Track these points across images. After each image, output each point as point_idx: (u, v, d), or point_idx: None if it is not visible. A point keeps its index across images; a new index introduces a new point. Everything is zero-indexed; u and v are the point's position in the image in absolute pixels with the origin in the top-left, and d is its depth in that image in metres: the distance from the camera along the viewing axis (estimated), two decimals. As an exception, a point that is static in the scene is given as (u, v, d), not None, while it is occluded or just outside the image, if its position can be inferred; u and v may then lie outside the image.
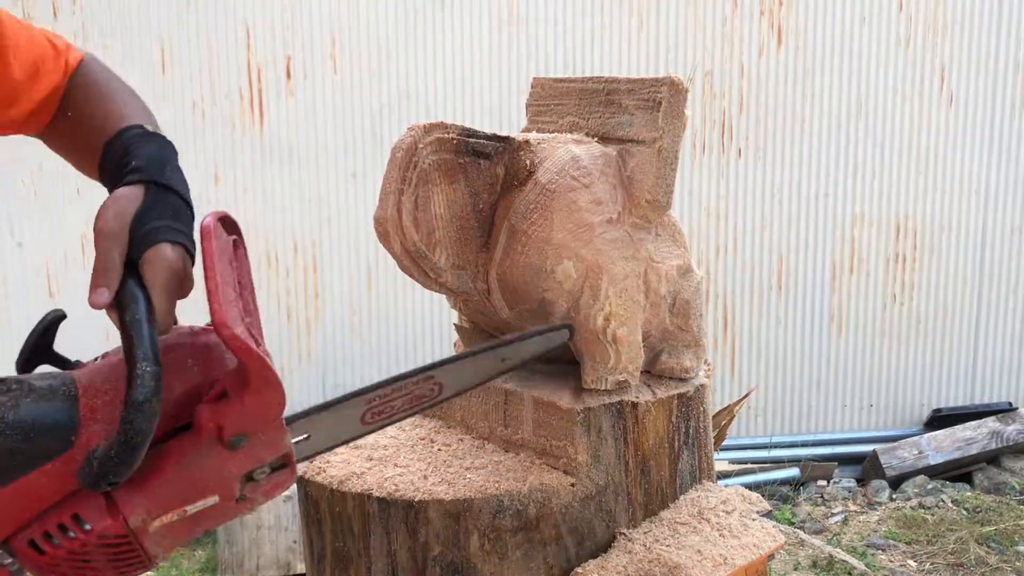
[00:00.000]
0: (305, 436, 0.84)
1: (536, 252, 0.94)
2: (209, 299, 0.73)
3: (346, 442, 0.89)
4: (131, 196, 0.84)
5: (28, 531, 0.74)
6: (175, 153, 0.95)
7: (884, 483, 4.69)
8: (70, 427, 0.74)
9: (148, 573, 3.86)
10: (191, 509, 0.77)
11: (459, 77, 4.51)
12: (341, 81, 4.48)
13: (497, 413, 1.03)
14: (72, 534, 0.73)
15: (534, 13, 4.59)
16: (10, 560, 0.74)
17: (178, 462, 0.75)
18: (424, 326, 4.78)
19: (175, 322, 0.81)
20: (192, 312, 0.91)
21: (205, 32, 4.53)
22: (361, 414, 0.88)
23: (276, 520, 3.64)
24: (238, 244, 0.84)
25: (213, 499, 0.77)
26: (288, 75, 4.47)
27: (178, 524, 0.78)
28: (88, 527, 0.73)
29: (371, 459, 1.01)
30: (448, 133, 0.94)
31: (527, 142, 0.99)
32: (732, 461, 4.71)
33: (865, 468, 4.85)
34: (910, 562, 3.95)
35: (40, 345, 0.84)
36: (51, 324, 0.84)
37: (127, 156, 0.92)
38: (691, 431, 1.05)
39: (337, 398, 0.86)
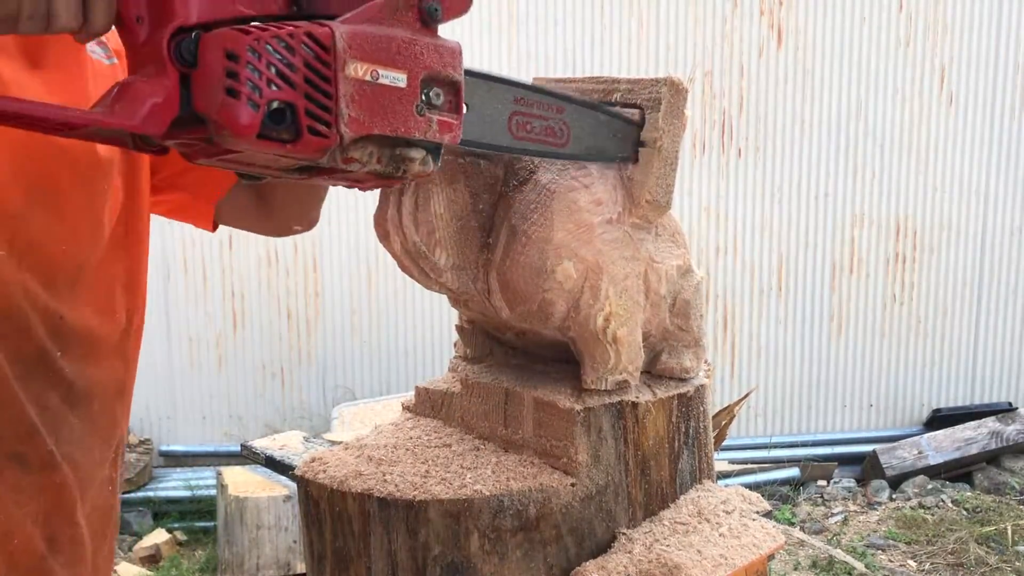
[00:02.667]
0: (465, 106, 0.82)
1: (536, 252, 0.94)
2: None
3: (491, 148, 0.87)
4: None
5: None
6: None
7: (884, 483, 4.69)
8: None
9: (148, 573, 3.86)
10: (382, 76, 0.73)
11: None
12: (341, 81, 4.48)
13: (497, 413, 1.03)
14: (282, 29, 0.69)
15: (534, 13, 4.59)
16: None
17: (380, 13, 0.74)
18: (424, 326, 4.78)
19: None
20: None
21: (205, 32, 4.53)
22: (509, 115, 0.87)
23: (276, 520, 3.64)
24: None
25: (401, 79, 0.74)
26: (288, 75, 4.47)
27: (368, 92, 0.73)
28: (301, 27, 0.70)
29: (371, 459, 1.01)
30: (448, 133, 0.93)
31: (527, 142, 0.99)
32: (732, 461, 4.71)
33: (865, 468, 4.85)
34: (910, 562, 3.95)
35: None
36: None
37: None
38: (691, 431, 1.05)
39: (487, 73, 0.86)
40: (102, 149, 0.98)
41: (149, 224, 1.11)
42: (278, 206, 1.19)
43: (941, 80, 4.83)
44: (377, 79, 0.74)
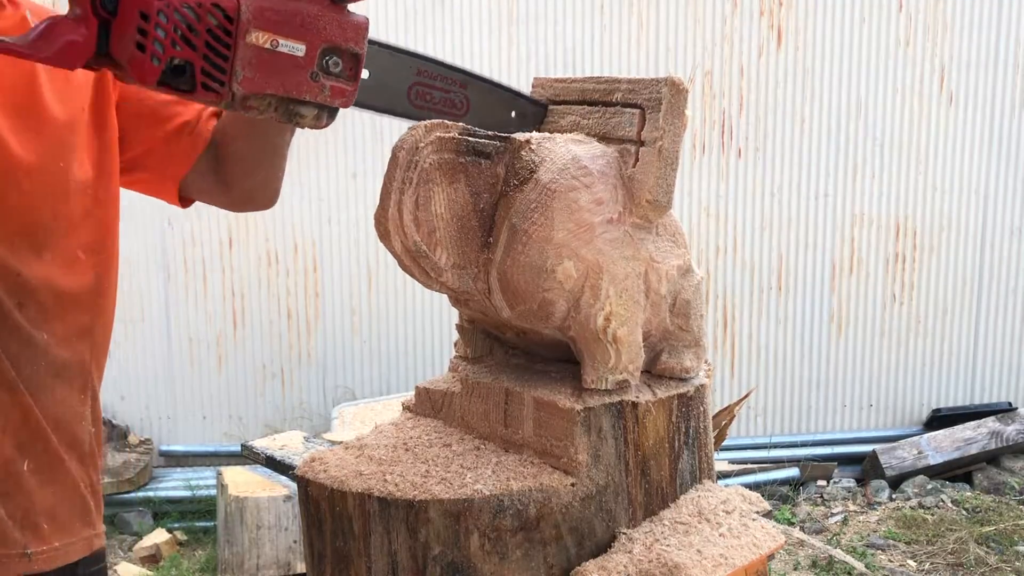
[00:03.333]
0: (366, 74, 0.91)
1: (537, 252, 0.94)
2: None
3: (389, 113, 0.96)
4: None
5: None
6: None
7: (884, 483, 4.69)
8: None
9: (148, 573, 3.86)
10: (282, 45, 0.84)
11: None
12: (341, 81, 4.48)
13: (497, 413, 1.03)
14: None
15: (534, 13, 4.59)
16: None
17: None
18: (424, 326, 4.78)
19: None
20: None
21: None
22: (409, 85, 0.97)
23: (276, 520, 3.64)
24: None
25: (300, 48, 0.84)
26: (288, 75, 4.47)
27: (265, 58, 0.84)
28: None
29: (371, 459, 1.01)
30: (449, 133, 0.94)
31: (528, 142, 0.99)
32: (732, 461, 4.71)
33: (865, 468, 4.85)
34: (910, 562, 3.95)
35: None
36: None
37: None
38: (691, 431, 1.05)
39: (393, 46, 0.95)
40: (65, 128, 1.11)
41: (118, 195, 1.24)
42: (235, 180, 1.28)
43: (941, 80, 4.83)
44: (276, 47, 0.85)
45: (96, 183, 1.18)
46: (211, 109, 1.25)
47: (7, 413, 1.10)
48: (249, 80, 0.84)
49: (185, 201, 1.32)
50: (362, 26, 0.90)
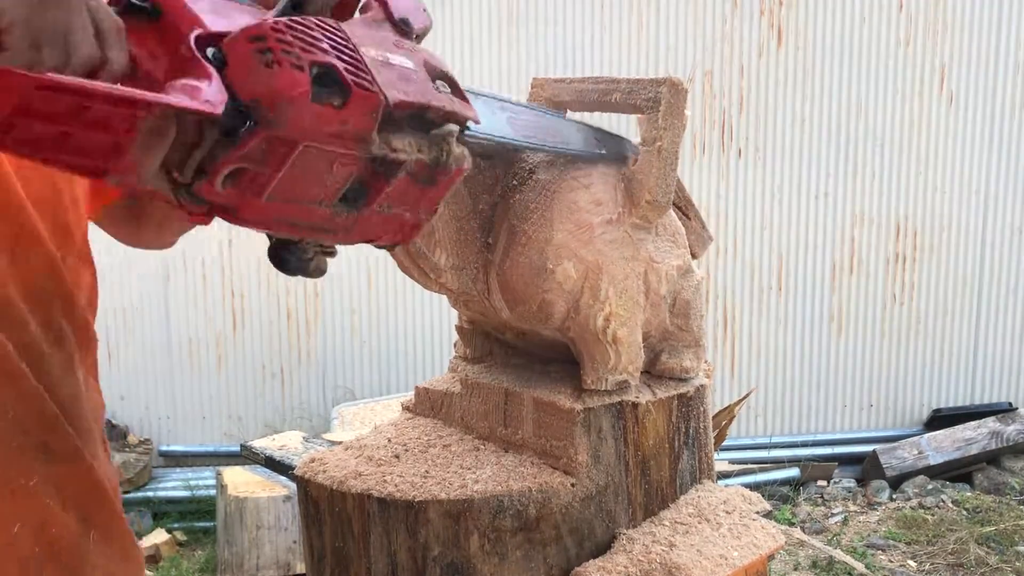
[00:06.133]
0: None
1: (536, 252, 0.94)
2: None
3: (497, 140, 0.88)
4: None
5: None
6: None
7: (884, 483, 4.69)
8: None
9: (148, 574, 3.86)
10: (392, 58, 0.74)
11: (459, 77, 4.51)
12: (341, 81, 4.48)
13: (497, 413, 1.03)
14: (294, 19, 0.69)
15: (534, 13, 4.59)
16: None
17: (361, 24, 0.76)
18: (424, 326, 4.78)
19: None
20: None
21: (205, 32, 4.53)
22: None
23: (276, 520, 3.64)
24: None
25: (408, 63, 0.75)
26: (288, 75, 4.47)
27: (387, 67, 0.73)
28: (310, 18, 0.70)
29: (371, 459, 1.01)
30: (448, 133, 0.93)
31: (527, 142, 0.99)
32: (732, 461, 4.71)
33: (865, 468, 4.85)
34: (910, 562, 3.95)
35: None
36: None
37: None
38: (691, 431, 1.05)
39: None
40: None
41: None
42: (148, 228, 1.18)
43: (941, 80, 4.82)
44: (388, 60, 0.73)
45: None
46: None
47: (68, 484, 0.96)
48: (390, 84, 0.71)
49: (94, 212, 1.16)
50: (437, 56, 0.82)
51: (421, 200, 0.77)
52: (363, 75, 0.70)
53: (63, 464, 0.94)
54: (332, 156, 0.70)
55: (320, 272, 0.78)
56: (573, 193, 0.94)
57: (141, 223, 1.17)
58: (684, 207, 1.13)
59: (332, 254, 0.78)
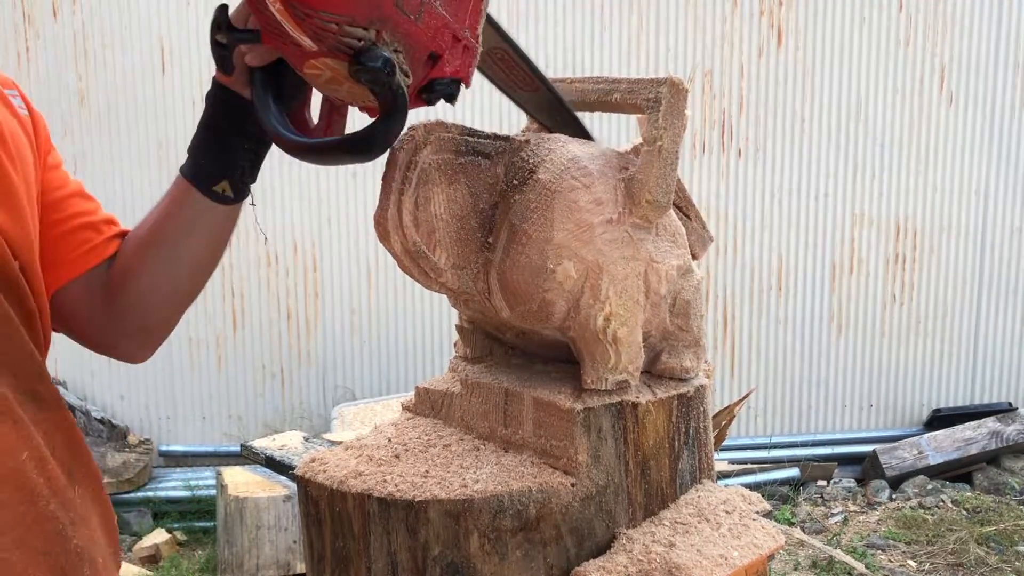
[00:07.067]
0: None
1: (536, 252, 0.94)
2: None
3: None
4: None
5: None
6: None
7: (884, 483, 4.69)
8: None
9: (148, 573, 3.86)
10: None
11: (459, 77, 4.51)
12: (341, 81, 4.48)
13: (497, 413, 1.03)
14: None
15: (534, 13, 4.59)
16: None
17: None
18: (424, 326, 4.78)
19: None
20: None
21: (205, 32, 4.52)
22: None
23: (276, 520, 3.64)
24: None
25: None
26: (288, 75, 4.47)
27: None
28: None
29: (371, 459, 1.01)
30: (449, 133, 0.93)
31: (527, 142, 0.99)
32: (732, 461, 4.71)
33: (865, 468, 4.85)
34: (910, 562, 3.95)
35: None
36: None
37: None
38: (691, 431, 1.05)
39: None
40: None
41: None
42: (136, 309, 1.09)
43: (941, 80, 4.83)
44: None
45: None
46: (117, 229, 1.10)
47: (55, 431, 0.98)
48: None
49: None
50: None
51: (460, 6, 0.82)
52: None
53: (51, 412, 0.97)
54: None
55: (399, 91, 0.79)
56: (573, 193, 0.94)
57: (129, 295, 1.08)
58: (684, 207, 1.13)
59: (406, 73, 0.80)
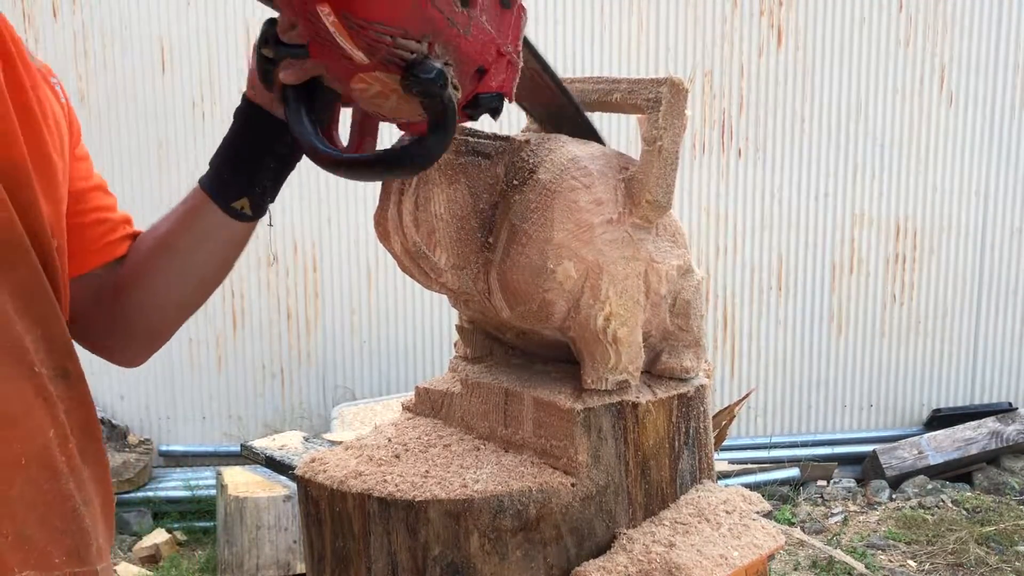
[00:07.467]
0: None
1: (536, 252, 0.94)
2: None
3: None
4: None
5: None
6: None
7: (884, 483, 4.69)
8: None
9: (148, 573, 3.86)
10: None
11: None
12: (341, 81, 4.48)
13: (497, 413, 1.03)
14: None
15: (534, 13, 4.59)
16: None
17: None
18: (424, 326, 4.78)
19: None
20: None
21: (205, 32, 4.53)
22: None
23: (276, 520, 3.64)
24: None
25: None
26: (288, 75, 4.47)
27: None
28: None
29: (371, 459, 1.01)
30: (448, 133, 0.93)
31: (527, 142, 0.99)
32: (732, 461, 4.71)
33: (865, 468, 4.85)
34: (910, 562, 3.95)
35: None
36: None
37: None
38: (691, 431, 1.05)
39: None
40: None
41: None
42: (142, 314, 1.09)
43: (941, 80, 4.83)
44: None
45: None
46: (131, 230, 1.10)
47: (77, 407, 0.97)
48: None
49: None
50: None
51: (503, 22, 0.83)
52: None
53: (76, 388, 0.97)
54: None
55: (450, 104, 0.80)
56: (573, 193, 0.94)
57: (135, 299, 1.08)
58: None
59: (456, 87, 0.81)
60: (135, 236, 1.11)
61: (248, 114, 0.99)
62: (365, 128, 0.95)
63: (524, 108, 1.04)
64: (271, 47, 0.86)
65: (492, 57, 0.83)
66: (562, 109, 1.05)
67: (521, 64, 0.87)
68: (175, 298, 1.09)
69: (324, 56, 0.81)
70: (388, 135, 0.85)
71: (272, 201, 1.05)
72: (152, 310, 1.09)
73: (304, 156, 0.94)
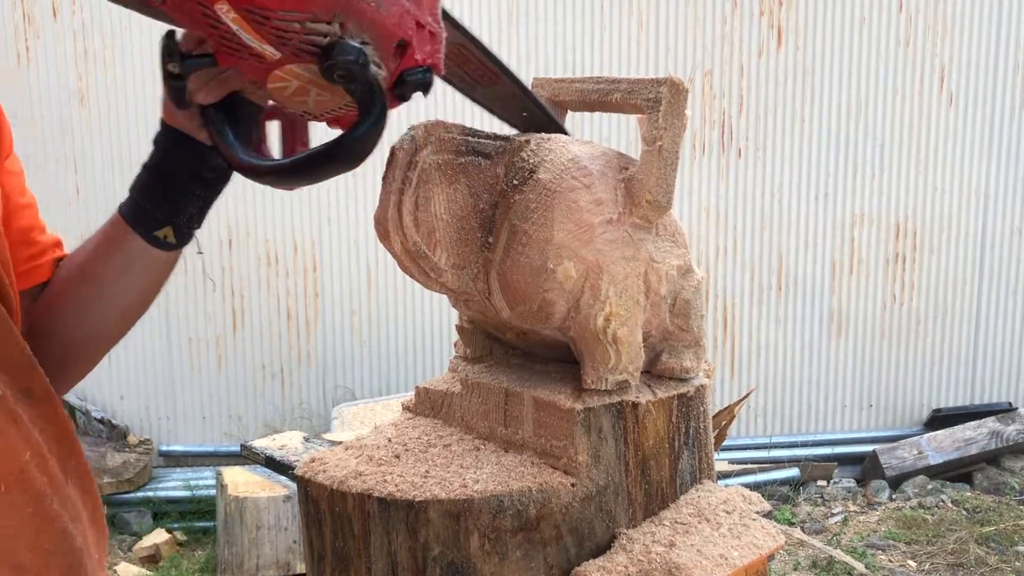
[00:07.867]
0: None
1: (536, 252, 0.94)
2: None
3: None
4: None
5: None
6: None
7: (884, 483, 4.69)
8: None
9: (148, 573, 3.86)
10: None
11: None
12: (341, 81, 4.48)
13: (497, 413, 1.03)
14: None
15: (534, 13, 4.59)
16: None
17: None
18: (424, 326, 4.78)
19: None
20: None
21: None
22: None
23: (276, 520, 3.64)
24: None
25: None
26: (288, 75, 4.47)
27: None
28: None
29: (371, 459, 1.01)
30: (449, 133, 0.93)
31: (527, 142, 0.99)
32: (732, 461, 4.71)
33: (865, 468, 4.85)
34: (910, 562, 3.95)
35: None
36: None
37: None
38: (691, 431, 1.05)
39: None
40: None
41: None
42: (62, 331, 1.04)
43: (941, 80, 4.83)
44: None
45: None
46: (59, 253, 1.04)
47: (49, 423, 0.94)
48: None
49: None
50: None
51: None
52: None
53: (43, 404, 0.93)
54: None
55: (376, 84, 0.75)
56: (573, 193, 0.94)
57: (60, 314, 1.03)
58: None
59: (379, 65, 0.76)
60: (61, 260, 1.05)
61: (169, 140, 0.93)
62: (296, 136, 0.91)
63: (453, 84, 0.98)
64: (176, 62, 0.80)
65: (412, 29, 0.78)
66: (502, 86, 1.00)
67: (444, 34, 0.82)
68: (91, 329, 1.03)
69: (233, 60, 0.76)
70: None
71: (198, 227, 0.99)
72: (67, 342, 1.02)
73: (233, 177, 0.89)
